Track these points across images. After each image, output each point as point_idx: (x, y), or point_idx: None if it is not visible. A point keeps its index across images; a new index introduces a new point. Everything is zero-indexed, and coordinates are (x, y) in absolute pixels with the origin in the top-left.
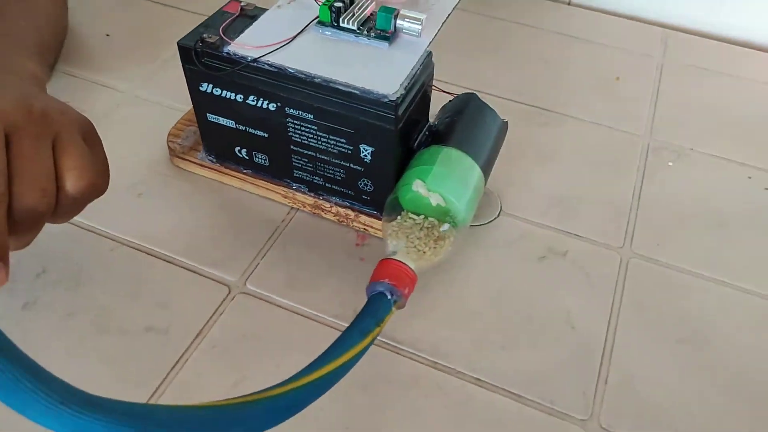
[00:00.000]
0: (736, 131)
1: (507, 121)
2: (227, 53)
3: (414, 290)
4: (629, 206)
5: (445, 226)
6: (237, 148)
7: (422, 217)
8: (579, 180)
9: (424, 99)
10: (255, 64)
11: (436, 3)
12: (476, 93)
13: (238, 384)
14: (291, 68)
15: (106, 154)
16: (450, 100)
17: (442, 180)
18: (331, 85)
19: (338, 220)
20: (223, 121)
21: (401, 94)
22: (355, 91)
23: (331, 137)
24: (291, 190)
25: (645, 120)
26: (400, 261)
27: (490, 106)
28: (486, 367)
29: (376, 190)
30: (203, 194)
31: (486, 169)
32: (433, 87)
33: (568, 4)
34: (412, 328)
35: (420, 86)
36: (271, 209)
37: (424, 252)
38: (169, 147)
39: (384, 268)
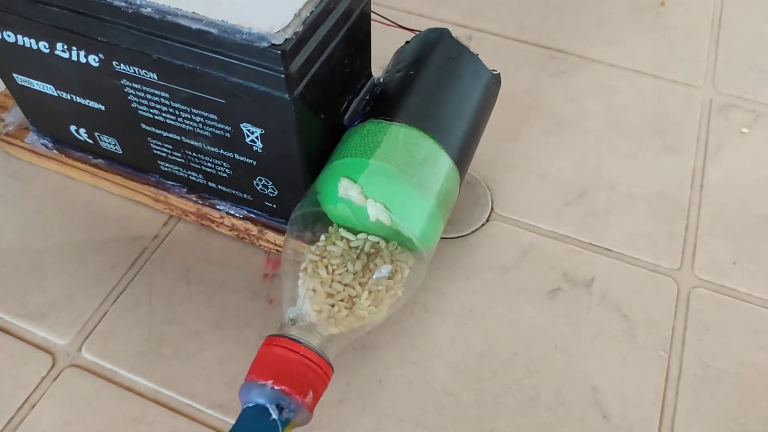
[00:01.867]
0: None
1: (498, 73)
2: None
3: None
4: (687, 201)
5: (400, 252)
6: (72, 127)
7: (363, 236)
8: (610, 159)
9: (352, 38)
10: None
11: None
12: (450, 29)
13: None
14: None
15: None
16: (408, 41)
17: (385, 180)
18: (169, 19)
19: (237, 236)
20: (37, 85)
21: (295, 32)
22: (211, 30)
23: (194, 111)
24: (162, 191)
25: (704, 64)
26: (299, 341)
27: (471, 49)
28: None
29: (281, 193)
30: (36, 195)
31: (463, 156)
32: (381, 19)
33: None
34: (339, 415)
35: (341, 16)
36: (137, 219)
37: (362, 305)
38: None
39: (269, 357)
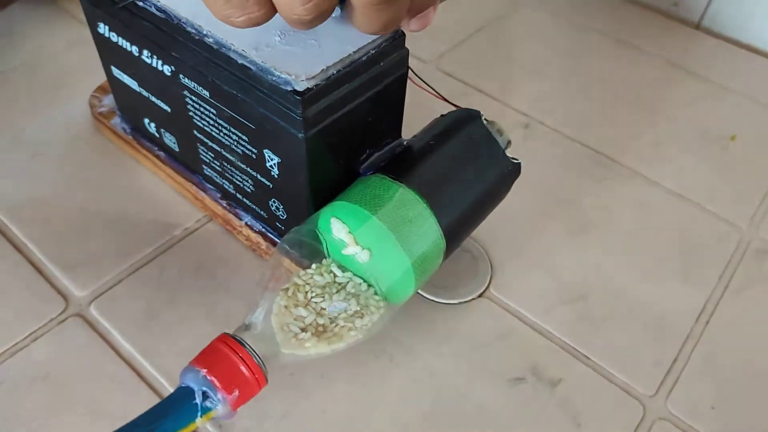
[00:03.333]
0: None
1: (518, 163)
2: None
3: (265, 394)
4: (686, 334)
5: (376, 299)
6: (146, 120)
7: (349, 275)
8: (622, 273)
9: (381, 100)
10: (141, 3)
11: None
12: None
13: None
14: (178, 17)
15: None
16: (443, 114)
17: (368, 229)
18: (223, 51)
19: (250, 246)
20: (126, 79)
21: (316, 84)
22: (251, 67)
23: (232, 130)
24: (201, 191)
25: (756, 206)
26: (244, 345)
27: (505, 137)
28: None
29: (289, 218)
30: (108, 170)
31: (455, 228)
32: (429, 89)
33: (696, 27)
34: (278, 428)
35: (372, 79)
36: (177, 210)
37: (325, 336)
38: (90, 104)
39: (214, 350)
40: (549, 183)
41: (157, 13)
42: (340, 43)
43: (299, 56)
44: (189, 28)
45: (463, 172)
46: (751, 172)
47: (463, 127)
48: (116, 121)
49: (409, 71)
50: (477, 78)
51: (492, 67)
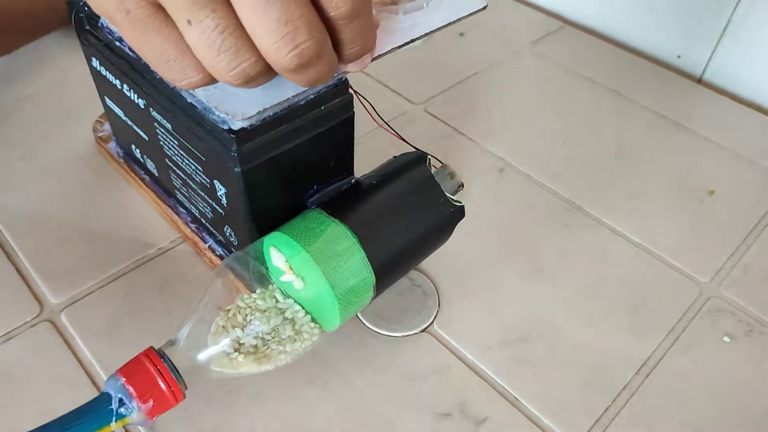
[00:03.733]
0: None
1: (461, 206)
2: (101, 24)
3: (200, 408)
4: (623, 385)
5: (314, 329)
6: (132, 146)
7: (290, 302)
8: (569, 318)
9: (325, 141)
10: (119, 44)
11: (415, 21)
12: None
13: None
14: None
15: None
16: (395, 156)
17: (297, 260)
18: (177, 89)
19: (212, 267)
20: (116, 108)
21: (251, 125)
22: (197, 105)
23: (190, 160)
24: (175, 214)
25: (722, 263)
26: (163, 358)
27: (456, 180)
28: None
29: (240, 244)
30: (102, 189)
31: (386, 265)
32: (391, 130)
33: (698, 81)
34: None
35: (313, 121)
36: (155, 230)
37: (255, 357)
38: (93, 128)
39: (136, 362)
40: (512, 226)
41: (130, 53)
42: (283, 87)
43: (241, 98)
44: (152, 69)
45: (400, 212)
46: (724, 227)
47: (408, 169)
48: (112, 145)
49: (375, 112)
50: (462, 121)
51: (478, 110)
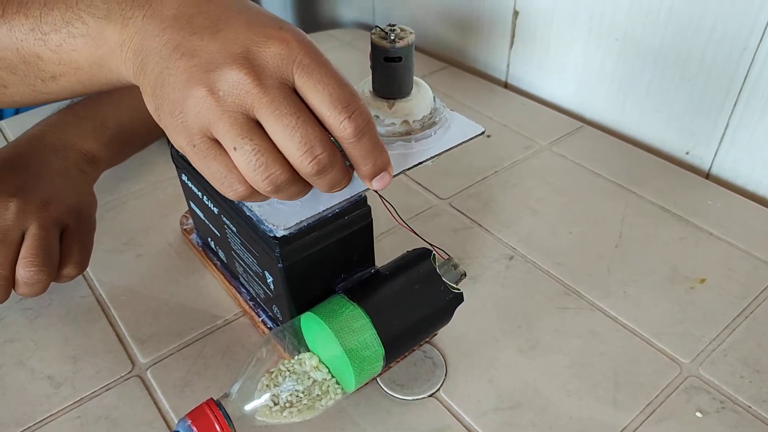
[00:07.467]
0: None
1: (460, 292)
2: None
3: None
4: None
5: (337, 389)
6: (209, 238)
7: (326, 372)
8: (557, 389)
9: (349, 243)
10: None
11: (418, 148)
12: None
13: None
14: None
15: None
16: (408, 250)
17: (322, 335)
18: (239, 204)
19: None
20: (198, 211)
21: (291, 233)
22: (252, 217)
23: (248, 254)
24: (238, 293)
25: (704, 346)
26: (220, 409)
27: (459, 270)
28: None
29: (284, 320)
30: (184, 271)
31: (394, 339)
32: (407, 227)
33: (707, 176)
34: None
35: (338, 228)
36: (223, 305)
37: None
38: (180, 222)
39: (200, 409)
40: (515, 307)
41: None
42: (315, 202)
43: (284, 212)
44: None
45: (406, 298)
46: (710, 314)
47: (416, 262)
48: (194, 236)
49: (396, 213)
50: (480, 214)
51: (496, 204)
